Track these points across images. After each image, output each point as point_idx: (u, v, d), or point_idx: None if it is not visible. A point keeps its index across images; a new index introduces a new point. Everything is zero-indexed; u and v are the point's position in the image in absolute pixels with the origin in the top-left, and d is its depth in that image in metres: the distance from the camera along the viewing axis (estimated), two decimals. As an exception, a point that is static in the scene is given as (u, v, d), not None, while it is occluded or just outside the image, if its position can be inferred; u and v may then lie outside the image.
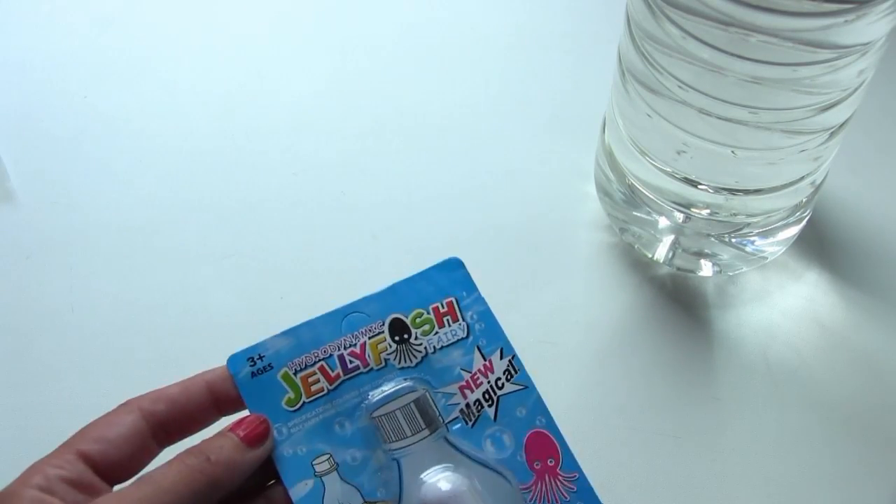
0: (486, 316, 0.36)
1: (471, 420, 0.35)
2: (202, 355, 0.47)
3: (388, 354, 0.35)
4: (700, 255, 0.47)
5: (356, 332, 0.35)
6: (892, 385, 0.46)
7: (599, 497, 0.34)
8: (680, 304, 0.48)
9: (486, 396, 0.35)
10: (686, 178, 0.43)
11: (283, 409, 0.34)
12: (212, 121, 0.55)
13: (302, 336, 0.35)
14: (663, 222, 0.46)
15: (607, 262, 0.50)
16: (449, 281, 0.36)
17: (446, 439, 0.34)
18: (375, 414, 0.34)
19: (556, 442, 0.34)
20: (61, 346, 0.47)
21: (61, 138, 0.54)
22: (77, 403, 0.46)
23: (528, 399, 0.35)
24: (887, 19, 0.35)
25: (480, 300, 0.36)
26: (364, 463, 0.34)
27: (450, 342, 0.35)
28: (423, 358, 0.35)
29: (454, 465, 0.34)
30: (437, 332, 0.35)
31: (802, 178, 0.43)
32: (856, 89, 0.39)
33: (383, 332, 0.35)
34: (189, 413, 0.33)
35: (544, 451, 0.34)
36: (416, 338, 0.35)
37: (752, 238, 0.46)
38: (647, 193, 0.45)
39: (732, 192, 0.43)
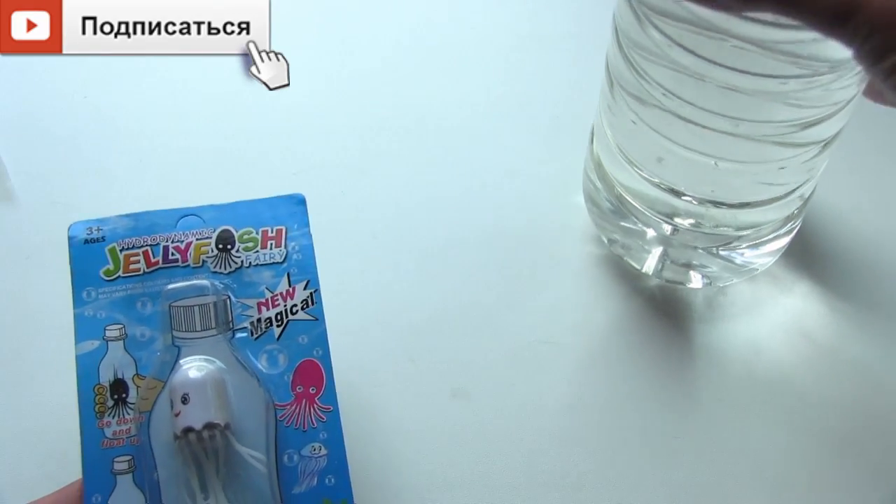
0: (307, 250, 0.38)
1: (256, 333, 0.37)
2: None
3: (207, 257, 0.38)
4: (689, 266, 0.47)
5: (188, 232, 0.38)
6: (883, 396, 0.46)
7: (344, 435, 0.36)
8: (669, 316, 0.48)
9: (278, 317, 0.37)
10: (671, 189, 0.43)
11: (99, 276, 0.38)
12: (211, 121, 0.55)
13: (141, 222, 0.38)
14: (651, 233, 0.46)
15: (596, 273, 0.49)
16: (288, 213, 0.39)
17: (228, 343, 0.37)
18: (175, 303, 0.37)
19: (324, 374, 0.37)
20: (61, 346, 0.48)
21: (61, 138, 0.55)
22: (77, 404, 0.46)
23: (314, 330, 0.38)
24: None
25: (307, 235, 0.39)
26: (150, 342, 0.37)
27: (265, 262, 0.38)
28: (236, 269, 0.38)
29: (218, 362, 0.36)
30: (257, 252, 0.38)
31: (789, 193, 0.42)
32: (843, 107, 0.38)
33: (211, 238, 0.38)
34: None
35: (310, 379, 0.37)
36: (237, 251, 0.38)
37: (741, 250, 0.45)
38: (634, 204, 0.45)
39: (715, 204, 0.42)
